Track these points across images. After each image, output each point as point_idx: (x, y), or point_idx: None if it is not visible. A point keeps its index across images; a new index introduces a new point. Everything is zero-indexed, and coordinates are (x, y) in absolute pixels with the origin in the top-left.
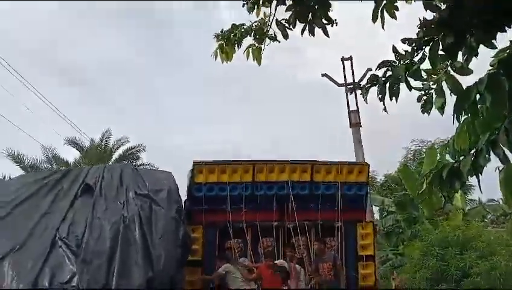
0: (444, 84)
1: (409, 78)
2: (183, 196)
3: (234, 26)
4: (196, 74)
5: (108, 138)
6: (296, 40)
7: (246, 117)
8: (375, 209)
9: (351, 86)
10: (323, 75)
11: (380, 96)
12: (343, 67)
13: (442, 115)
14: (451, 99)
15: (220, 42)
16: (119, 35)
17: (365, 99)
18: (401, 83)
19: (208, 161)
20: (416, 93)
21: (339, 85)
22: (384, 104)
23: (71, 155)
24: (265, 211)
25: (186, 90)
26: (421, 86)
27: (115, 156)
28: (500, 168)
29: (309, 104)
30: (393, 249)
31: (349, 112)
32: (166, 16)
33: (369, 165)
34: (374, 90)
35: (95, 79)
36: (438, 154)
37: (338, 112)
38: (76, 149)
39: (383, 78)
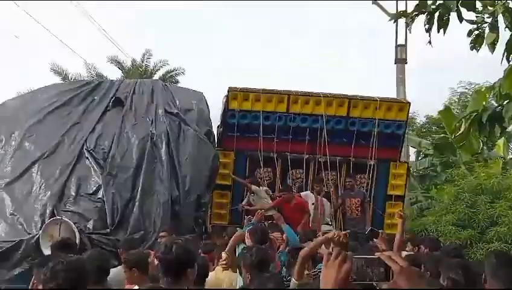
0: (500, 17)
1: (461, 9)
2: (217, 122)
3: None
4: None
5: (149, 58)
6: None
7: (293, 52)
8: (412, 150)
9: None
10: (373, 2)
11: (426, 26)
12: None
13: (492, 52)
14: (505, 36)
15: None
16: None
17: (409, 29)
18: (451, 14)
19: (243, 87)
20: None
21: (390, 15)
22: (430, 35)
23: (113, 75)
24: (297, 143)
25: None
26: (474, 18)
27: (155, 77)
28: None
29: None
30: (425, 191)
31: (397, 46)
32: None
33: (410, 103)
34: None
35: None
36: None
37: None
38: (118, 68)
39: (432, 7)
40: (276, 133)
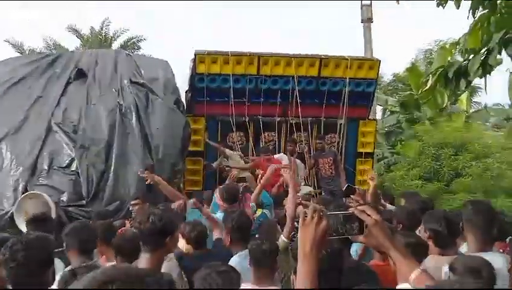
0: None
1: None
2: (185, 87)
3: None
4: None
5: (108, 25)
6: None
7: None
8: (378, 108)
9: None
10: None
11: None
12: None
13: (457, 8)
14: None
15: None
16: None
17: None
18: None
19: (211, 50)
20: None
21: None
22: None
23: (72, 44)
24: (269, 106)
25: None
26: None
27: (115, 45)
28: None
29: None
30: (391, 148)
31: (362, 6)
32: None
33: (380, 61)
34: None
35: None
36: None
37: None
38: (77, 37)
39: None
40: (247, 96)
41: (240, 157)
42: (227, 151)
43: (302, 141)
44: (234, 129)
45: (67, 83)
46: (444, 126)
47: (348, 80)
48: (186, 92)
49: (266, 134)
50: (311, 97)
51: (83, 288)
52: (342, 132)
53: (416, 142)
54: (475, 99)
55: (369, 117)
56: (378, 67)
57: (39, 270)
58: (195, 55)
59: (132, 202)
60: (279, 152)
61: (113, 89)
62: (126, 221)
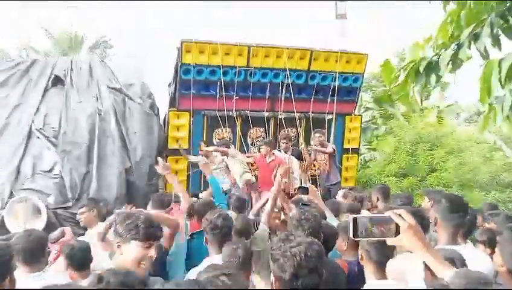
0: None
1: None
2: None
3: None
4: None
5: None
6: None
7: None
8: None
9: None
10: None
11: None
12: None
13: (429, 1)
14: None
15: None
16: None
17: None
18: None
19: (198, 39)
20: None
21: None
22: None
23: (41, 45)
24: (258, 100)
25: None
26: None
27: (87, 43)
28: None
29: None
30: (367, 144)
31: (337, 1)
32: None
33: (367, 55)
34: None
35: None
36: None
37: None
38: (46, 35)
39: None
40: (235, 90)
41: (241, 155)
42: (230, 151)
43: (293, 136)
44: (226, 124)
45: (45, 90)
46: (418, 121)
47: (337, 74)
48: (168, 84)
49: (254, 129)
50: (299, 91)
51: None
52: (332, 127)
53: (391, 138)
54: (446, 94)
55: (355, 113)
56: (366, 62)
57: None
58: (181, 43)
59: (80, 211)
60: None
61: (92, 95)
62: (66, 230)
